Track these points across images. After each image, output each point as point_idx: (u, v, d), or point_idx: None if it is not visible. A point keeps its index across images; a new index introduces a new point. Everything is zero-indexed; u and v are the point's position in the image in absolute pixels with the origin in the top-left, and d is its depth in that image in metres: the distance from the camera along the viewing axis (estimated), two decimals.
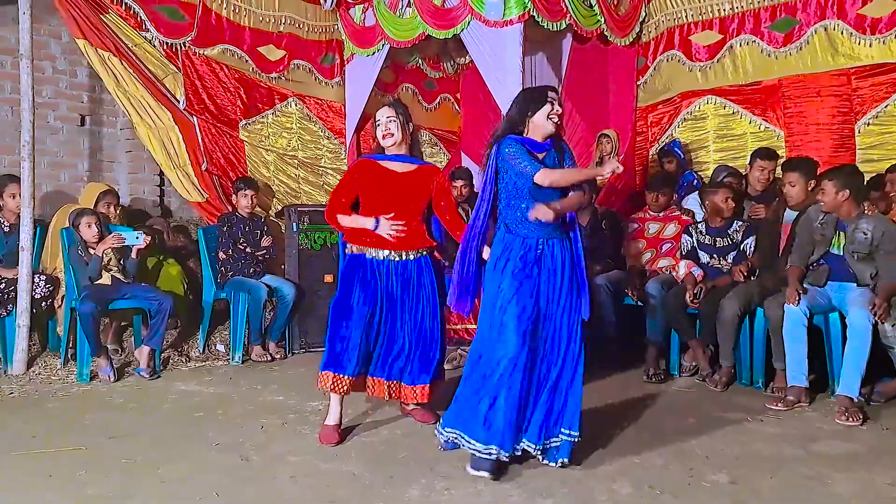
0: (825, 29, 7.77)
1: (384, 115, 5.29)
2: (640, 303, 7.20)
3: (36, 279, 7.07)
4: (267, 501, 4.22)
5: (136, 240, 7.04)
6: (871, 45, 7.51)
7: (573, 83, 9.55)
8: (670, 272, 7.27)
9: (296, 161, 9.59)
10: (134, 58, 8.15)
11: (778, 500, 4.24)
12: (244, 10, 8.92)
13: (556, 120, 4.72)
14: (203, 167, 8.66)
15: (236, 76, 8.99)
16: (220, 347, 7.92)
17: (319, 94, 9.74)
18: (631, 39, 8.99)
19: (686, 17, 8.73)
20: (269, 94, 9.35)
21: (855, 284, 6.06)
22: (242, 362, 7.56)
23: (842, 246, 6.11)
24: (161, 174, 9.50)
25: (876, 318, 5.69)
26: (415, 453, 4.89)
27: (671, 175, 8.28)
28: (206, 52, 8.70)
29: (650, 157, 9.15)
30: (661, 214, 7.66)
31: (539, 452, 4.60)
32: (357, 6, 9.13)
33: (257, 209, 8.40)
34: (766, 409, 5.88)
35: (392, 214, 5.25)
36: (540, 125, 4.72)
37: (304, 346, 8.00)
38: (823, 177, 6.24)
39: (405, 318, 5.29)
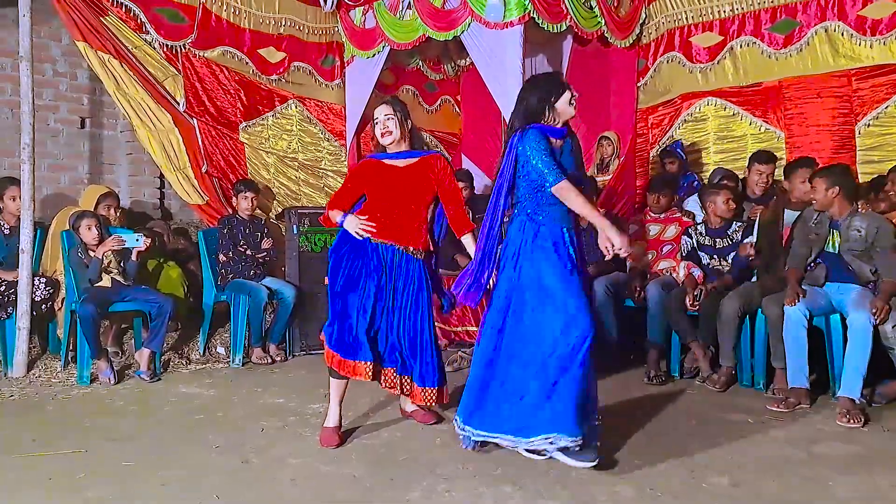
0: (825, 30, 7.77)
1: (382, 112, 5.29)
2: (641, 304, 7.19)
3: (36, 281, 7.07)
4: None
5: (137, 242, 7.04)
6: (871, 47, 7.52)
7: (573, 85, 9.47)
8: (671, 274, 7.26)
9: (296, 163, 9.59)
10: (134, 60, 8.16)
11: (779, 502, 4.23)
12: (244, 13, 8.92)
13: (575, 104, 4.82)
14: (203, 169, 8.66)
15: (236, 78, 9.00)
16: (221, 350, 7.92)
17: (320, 97, 9.75)
18: (631, 41, 8.99)
19: (686, 18, 8.73)
20: (269, 97, 9.36)
21: (854, 284, 6.06)
22: (243, 365, 7.55)
23: (836, 244, 6.12)
24: (161, 176, 9.49)
25: (876, 320, 5.68)
26: (415, 455, 4.89)
27: (672, 176, 8.28)
28: (206, 55, 8.71)
29: (651, 158, 9.15)
30: (661, 216, 7.66)
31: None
32: (357, 8, 9.14)
33: (257, 211, 8.40)
34: (767, 411, 5.87)
35: (378, 215, 5.25)
36: (563, 111, 4.82)
37: (305, 349, 7.98)
38: (814, 176, 6.26)
39: (405, 313, 5.26)
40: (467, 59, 9.73)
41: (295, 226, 8.07)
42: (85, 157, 9.30)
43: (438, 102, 10.88)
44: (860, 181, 7.20)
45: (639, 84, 9.24)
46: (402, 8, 8.57)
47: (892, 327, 5.77)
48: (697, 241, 7.15)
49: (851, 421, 5.48)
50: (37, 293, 7.07)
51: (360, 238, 5.21)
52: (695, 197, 7.74)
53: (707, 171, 8.44)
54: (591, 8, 8.37)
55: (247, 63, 9.05)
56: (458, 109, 11.10)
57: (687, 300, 6.84)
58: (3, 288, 7.05)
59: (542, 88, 4.82)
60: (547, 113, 4.76)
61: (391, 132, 5.25)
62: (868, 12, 7.52)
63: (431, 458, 4.83)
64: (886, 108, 7.47)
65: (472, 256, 5.15)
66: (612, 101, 9.43)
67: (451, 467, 4.64)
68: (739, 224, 7.03)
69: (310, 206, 9.09)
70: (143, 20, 8.12)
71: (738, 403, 6.12)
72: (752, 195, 7.45)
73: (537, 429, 4.52)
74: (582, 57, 9.23)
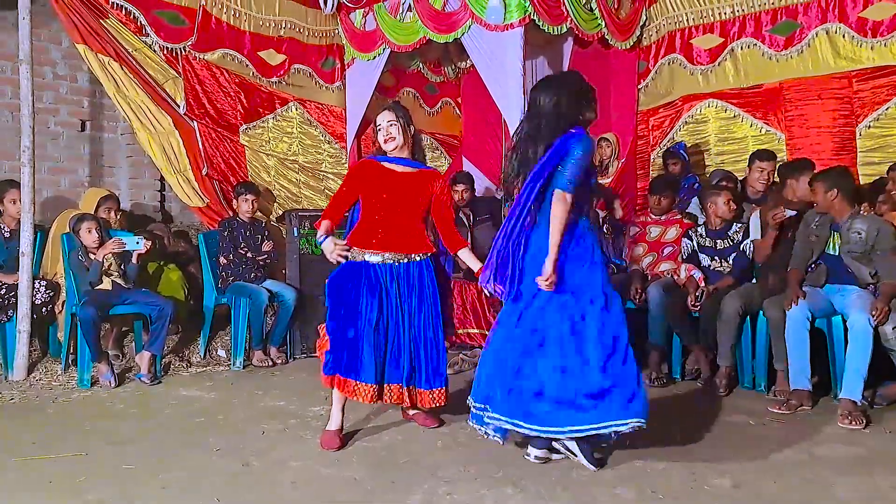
0: (826, 32, 7.77)
1: (385, 119, 5.29)
2: (641, 306, 7.18)
3: (36, 284, 7.06)
4: None
5: (137, 245, 7.03)
6: (872, 48, 7.52)
7: None
8: (672, 276, 7.25)
9: (296, 166, 9.58)
10: (134, 63, 8.14)
11: (780, 503, 4.22)
12: (244, 15, 8.91)
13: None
14: (203, 172, 8.65)
15: (236, 81, 8.99)
16: (222, 353, 7.92)
17: (320, 99, 9.74)
18: (632, 43, 8.99)
19: (687, 20, 8.72)
20: (269, 99, 9.35)
21: (854, 286, 6.06)
22: (243, 367, 7.55)
23: (837, 246, 6.12)
24: (161, 179, 9.50)
25: (876, 322, 5.68)
26: (417, 458, 4.88)
27: (673, 178, 8.26)
28: (206, 57, 8.70)
29: (651, 160, 9.15)
30: (662, 218, 7.65)
31: None
32: (358, 10, 9.13)
33: (258, 214, 8.40)
34: (768, 413, 5.87)
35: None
36: (590, 119, 4.84)
37: (306, 352, 7.98)
38: (813, 179, 6.28)
39: (408, 322, 5.25)
40: (468, 62, 9.73)
41: (295, 228, 8.07)
42: (85, 160, 9.30)
43: (439, 105, 10.87)
44: (861, 183, 7.19)
45: (639, 86, 9.24)
46: (403, 10, 8.56)
47: (893, 329, 5.77)
48: (698, 243, 7.15)
49: (853, 423, 5.48)
50: (37, 296, 7.07)
51: (336, 262, 5.25)
52: (695, 199, 7.74)
53: (708, 173, 8.43)
54: (592, 10, 8.36)
55: (247, 65, 9.04)
56: (458, 111, 11.08)
57: (689, 301, 6.84)
58: (3, 291, 7.05)
59: (579, 98, 4.79)
60: (580, 118, 4.75)
61: (394, 138, 5.26)
62: (869, 14, 7.52)
63: (433, 460, 4.83)
64: (887, 109, 7.47)
65: (473, 267, 5.30)
66: (613, 103, 9.42)
67: (453, 470, 4.64)
68: (740, 225, 7.03)
69: (310, 208, 9.09)
70: (143, 23, 8.11)
71: (739, 405, 6.12)
72: (752, 194, 7.46)
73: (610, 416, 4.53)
74: (582, 59, 9.21)
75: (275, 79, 9.33)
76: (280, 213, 9.10)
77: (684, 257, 7.21)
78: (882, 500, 4.26)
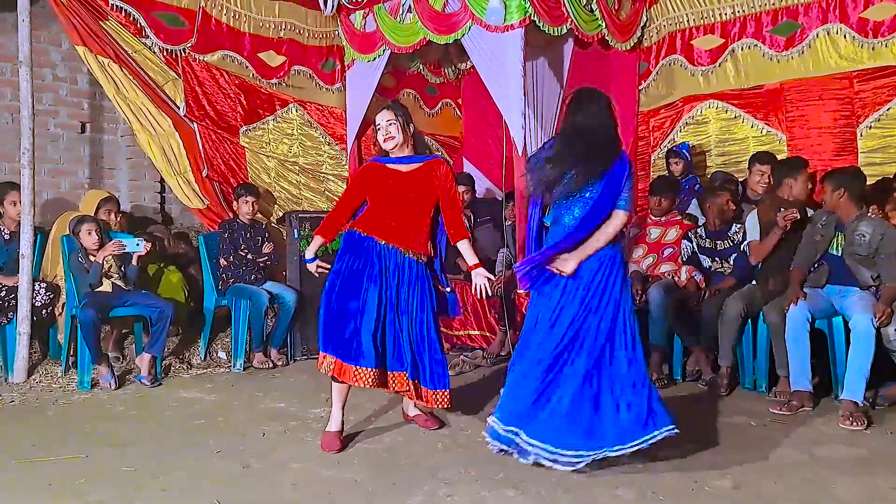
0: (827, 32, 7.76)
1: (384, 118, 5.29)
2: (642, 307, 7.18)
3: (36, 287, 7.06)
4: None
5: (137, 247, 7.03)
6: (873, 49, 7.51)
7: (574, 88, 9.53)
8: (672, 277, 7.25)
9: (297, 167, 9.58)
10: (134, 64, 8.14)
11: None
12: (244, 16, 8.90)
13: None
14: (204, 174, 8.64)
15: (236, 82, 8.98)
16: (222, 354, 7.91)
17: (320, 100, 9.73)
18: (632, 44, 8.98)
19: (687, 21, 8.71)
20: (269, 100, 9.34)
21: (855, 288, 6.06)
22: (244, 369, 7.54)
23: (840, 247, 6.12)
24: (162, 181, 9.50)
25: (878, 323, 5.67)
26: (417, 460, 4.88)
27: (674, 179, 8.26)
28: (206, 59, 8.69)
29: (652, 161, 9.14)
30: (662, 219, 7.64)
31: None
32: (358, 12, 9.12)
33: (258, 215, 8.40)
34: (769, 414, 5.86)
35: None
36: None
37: (306, 353, 7.97)
38: (824, 177, 6.30)
39: (407, 315, 5.24)
40: (468, 63, 9.72)
41: (296, 230, 8.07)
42: (85, 162, 9.30)
43: (439, 106, 10.87)
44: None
45: (640, 87, 9.23)
46: (403, 11, 8.55)
47: (895, 330, 5.76)
48: (698, 244, 7.15)
49: (854, 423, 5.47)
50: (37, 298, 7.06)
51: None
52: (694, 200, 7.74)
53: (709, 174, 8.42)
54: (592, 11, 8.34)
55: (247, 67, 9.03)
56: (458, 113, 11.09)
57: (690, 301, 6.85)
58: (3, 293, 7.04)
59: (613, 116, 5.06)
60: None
61: (394, 137, 5.26)
62: (869, 14, 7.51)
63: (433, 462, 4.83)
64: (888, 110, 7.46)
65: (468, 261, 5.36)
66: (614, 104, 9.40)
67: (453, 471, 4.64)
68: (739, 226, 7.03)
69: (311, 210, 9.08)
70: (142, 24, 8.09)
71: (740, 406, 6.11)
72: (753, 196, 7.45)
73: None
74: (583, 60, 9.20)
75: (275, 80, 9.32)
76: (280, 214, 9.09)
77: (684, 259, 7.21)
78: (883, 501, 4.26)
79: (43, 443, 5.20)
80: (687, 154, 8.46)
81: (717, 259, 7.08)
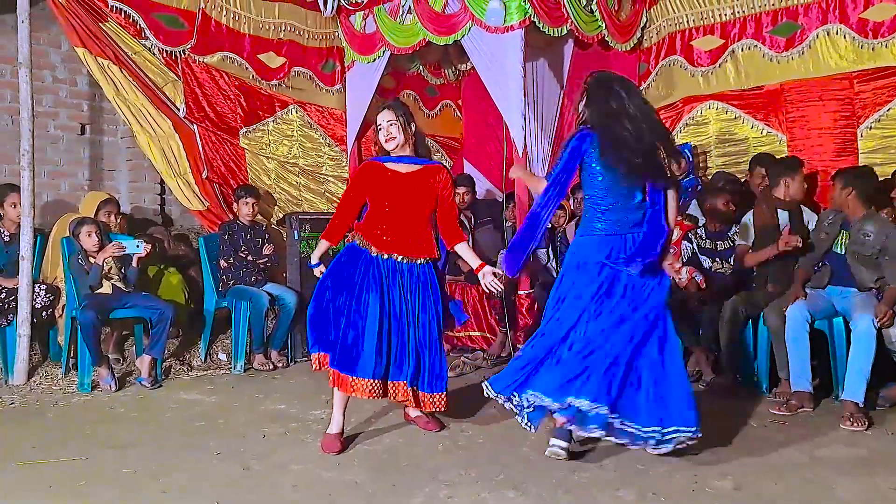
0: (827, 33, 7.76)
1: (385, 118, 5.29)
2: None
3: (36, 288, 7.05)
4: None
5: (137, 248, 7.02)
6: (873, 49, 7.51)
7: (575, 89, 9.48)
8: (673, 278, 7.24)
9: (297, 169, 9.57)
10: (133, 66, 8.14)
11: None
12: (244, 18, 8.90)
13: None
14: (204, 175, 8.64)
15: (236, 84, 8.98)
16: (222, 356, 7.91)
17: (320, 102, 9.73)
18: (632, 45, 8.98)
19: (687, 21, 8.71)
20: (269, 102, 9.34)
21: (856, 289, 6.06)
22: (244, 371, 7.54)
23: (844, 245, 6.12)
24: (161, 182, 9.50)
25: (879, 324, 5.67)
26: (418, 461, 4.87)
27: (674, 179, 8.25)
28: (205, 60, 8.69)
29: None
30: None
31: None
32: (357, 13, 9.12)
33: (258, 217, 8.40)
34: (770, 415, 5.86)
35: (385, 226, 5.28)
36: None
37: (307, 355, 7.95)
38: (835, 175, 6.34)
39: (412, 321, 5.23)
40: (468, 64, 9.71)
41: (296, 231, 8.07)
42: (85, 164, 9.30)
43: (439, 107, 10.87)
44: None
45: (640, 88, 9.20)
46: (403, 12, 8.55)
47: None
48: (698, 245, 7.15)
49: (855, 424, 5.47)
50: (37, 300, 7.06)
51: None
52: (694, 201, 7.73)
53: (709, 175, 8.42)
54: (592, 12, 8.35)
55: (247, 68, 9.03)
56: (459, 114, 11.09)
57: (690, 302, 6.84)
58: (3, 295, 7.04)
59: None
60: None
61: (395, 137, 5.26)
62: (869, 15, 7.52)
63: (434, 463, 4.82)
64: (888, 110, 7.45)
65: (471, 264, 5.37)
66: None
67: (454, 473, 4.63)
68: (739, 226, 7.02)
69: (311, 211, 9.09)
70: (142, 26, 8.09)
71: (741, 407, 6.11)
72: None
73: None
74: (583, 61, 9.19)
75: (275, 81, 9.32)
76: (280, 216, 9.09)
77: (685, 260, 7.20)
78: (883, 502, 4.25)
79: (43, 445, 5.19)
80: (689, 154, 8.46)
81: (717, 259, 7.07)
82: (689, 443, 4.71)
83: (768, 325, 6.34)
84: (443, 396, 5.24)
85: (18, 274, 6.91)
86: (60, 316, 7.28)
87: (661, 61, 9.01)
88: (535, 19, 7.73)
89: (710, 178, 8.31)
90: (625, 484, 4.45)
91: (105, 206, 7.68)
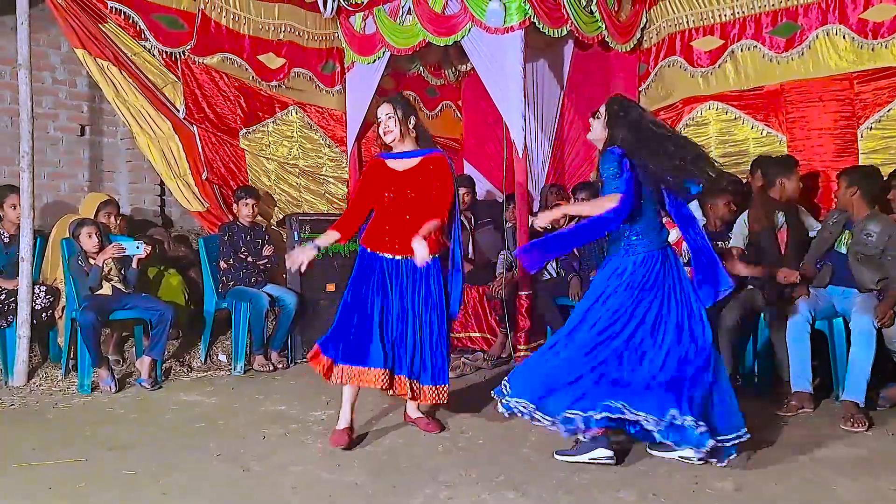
0: (827, 33, 7.74)
1: (383, 112, 5.36)
2: None
3: (36, 290, 7.05)
4: None
5: (137, 250, 7.02)
6: (873, 50, 7.50)
7: (575, 90, 9.56)
8: None
9: (297, 170, 9.57)
10: (133, 67, 8.13)
11: None
12: (244, 19, 8.90)
13: None
14: (203, 176, 8.63)
15: (236, 85, 8.97)
16: (222, 357, 7.91)
17: (320, 103, 9.72)
18: (632, 45, 8.97)
19: (687, 22, 8.70)
20: (269, 103, 9.33)
21: (857, 290, 6.05)
22: (244, 372, 7.54)
23: (845, 245, 6.12)
24: (161, 184, 9.49)
25: (879, 324, 5.66)
26: (418, 462, 4.87)
27: None
28: (205, 61, 8.68)
29: None
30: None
31: None
32: (357, 14, 9.12)
33: (258, 218, 8.39)
34: (770, 415, 5.85)
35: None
36: None
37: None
38: (840, 174, 6.36)
39: (413, 316, 5.28)
40: (468, 65, 9.72)
41: (296, 232, 8.08)
42: (85, 165, 9.29)
43: (439, 108, 10.86)
44: None
45: (640, 88, 9.21)
46: (403, 13, 8.55)
47: None
48: None
49: (855, 425, 5.46)
50: (37, 302, 7.06)
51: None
52: (695, 202, 7.71)
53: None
54: (592, 12, 8.34)
55: (246, 69, 9.02)
56: (459, 115, 11.09)
57: None
58: (3, 297, 7.04)
59: None
60: None
61: (391, 131, 5.33)
62: (869, 15, 7.50)
63: (434, 464, 4.82)
64: (889, 111, 7.44)
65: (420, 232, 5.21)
66: None
67: (454, 474, 4.63)
68: None
69: (311, 212, 9.10)
70: (141, 27, 8.09)
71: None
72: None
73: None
74: (583, 61, 9.22)
75: (274, 82, 9.32)
76: (280, 217, 9.08)
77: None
78: (883, 502, 4.25)
79: (43, 446, 5.19)
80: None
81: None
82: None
83: (768, 324, 6.33)
84: (445, 389, 5.31)
85: (18, 275, 6.91)
86: (60, 317, 7.28)
87: (660, 62, 8.99)
88: (535, 20, 7.73)
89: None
90: (625, 485, 4.44)
91: (105, 208, 7.68)
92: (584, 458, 4.77)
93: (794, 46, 7.95)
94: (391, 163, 5.37)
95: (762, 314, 6.49)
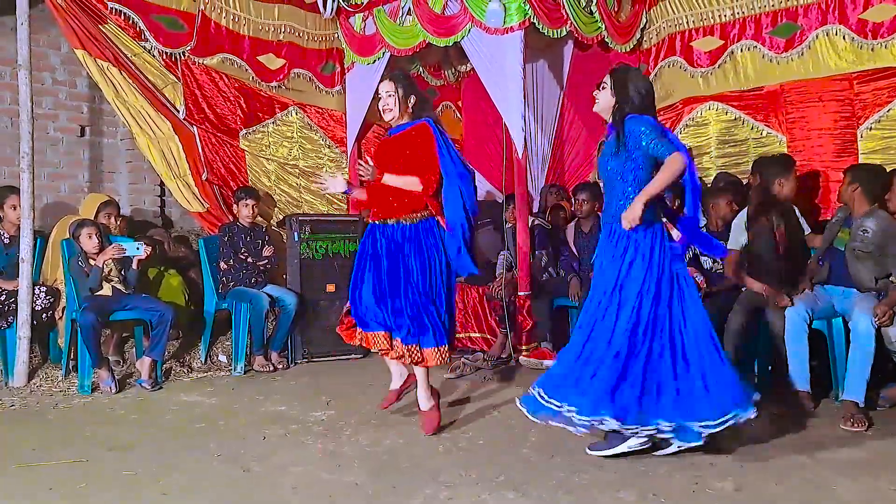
0: (826, 34, 7.75)
1: (383, 89, 5.48)
2: None
3: (36, 291, 7.06)
4: None
5: (137, 250, 7.02)
6: (872, 50, 7.50)
7: (574, 90, 9.55)
8: None
9: (297, 170, 9.57)
10: (133, 68, 8.14)
11: None
12: (243, 19, 8.91)
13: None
14: (203, 177, 8.64)
15: (236, 85, 8.98)
16: (222, 358, 7.90)
17: (320, 103, 9.74)
18: (632, 46, 8.97)
19: (687, 23, 8.71)
20: (269, 103, 9.34)
21: (856, 290, 6.05)
22: (244, 373, 7.54)
23: (844, 241, 6.12)
24: (161, 184, 9.49)
25: (878, 323, 5.66)
26: (418, 462, 4.87)
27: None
28: (205, 62, 8.69)
29: None
30: (663, 220, 7.62)
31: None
32: (357, 14, 9.13)
33: (258, 219, 8.39)
34: (770, 415, 5.84)
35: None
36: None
37: (307, 357, 7.98)
38: (846, 170, 6.36)
39: (404, 280, 5.35)
40: (468, 65, 9.73)
41: (296, 233, 8.07)
42: (85, 166, 9.29)
43: (439, 108, 10.85)
44: None
45: None
46: (403, 14, 8.56)
47: None
48: None
49: (855, 425, 5.45)
50: (37, 302, 7.06)
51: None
52: None
53: (709, 176, 8.41)
54: (592, 13, 8.35)
55: (246, 70, 9.03)
56: (458, 115, 11.11)
57: None
58: (3, 297, 7.04)
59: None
60: None
61: (391, 109, 5.44)
62: (869, 15, 7.51)
63: (434, 465, 4.82)
64: (888, 111, 7.44)
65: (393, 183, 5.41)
66: None
67: (454, 474, 4.62)
68: None
69: (311, 213, 9.11)
70: (141, 28, 8.10)
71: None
72: None
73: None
74: (583, 62, 9.22)
75: (274, 83, 9.32)
76: (280, 217, 9.09)
77: (686, 260, 7.19)
78: (884, 503, 4.24)
79: (43, 447, 5.19)
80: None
81: (718, 260, 7.06)
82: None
83: (769, 324, 6.33)
84: (445, 349, 5.42)
85: (18, 276, 6.91)
86: (60, 318, 7.28)
87: (660, 62, 9.00)
88: (535, 20, 7.75)
89: (711, 178, 8.30)
90: (625, 485, 4.44)
91: (105, 208, 7.68)
92: (623, 447, 4.79)
93: (793, 47, 7.96)
94: (388, 138, 5.57)
95: (764, 313, 6.48)
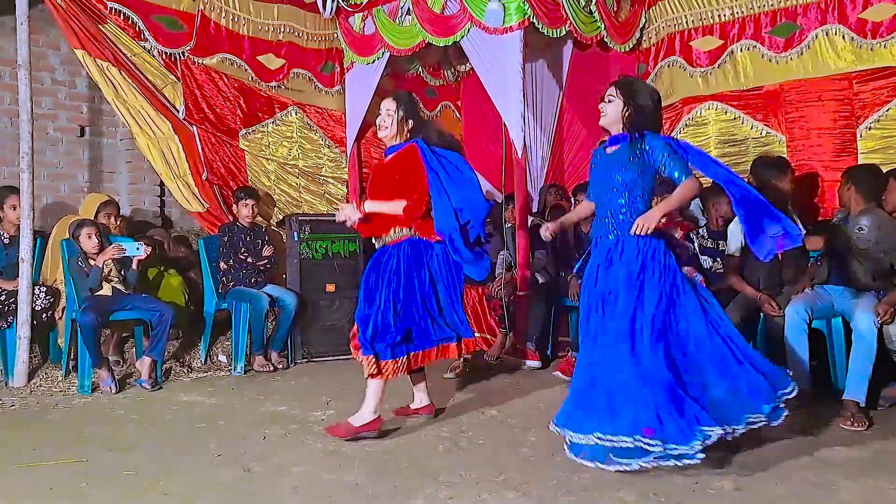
0: (826, 33, 7.74)
1: (385, 107, 5.50)
2: None
3: (36, 291, 7.06)
4: None
5: (137, 250, 7.02)
6: (872, 49, 7.50)
7: (574, 90, 9.56)
8: None
9: (296, 170, 9.58)
10: (133, 68, 8.15)
11: None
12: (243, 19, 8.91)
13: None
14: (203, 177, 8.65)
15: (236, 85, 8.98)
16: (222, 358, 7.91)
17: (320, 103, 9.74)
18: (631, 46, 8.97)
19: (686, 22, 8.70)
20: (268, 103, 9.34)
21: (855, 289, 6.05)
22: (244, 373, 7.54)
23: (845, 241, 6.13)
24: (161, 184, 9.50)
25: (880, 321, 5.66)
26: (418, 462, 4.87)
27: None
28: (205, 62, 8.69)
29: None
30: (663, 220, 7.62)
31: None
32: (357, 14, 9.13)
33: (258, 219, 8.40)
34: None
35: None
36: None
37: (307, 357, 7.99)
38: (844, 172, 6.39)
39: (394, 299, 5.38)
40: (467, 65, 9.72)
41: (296, 233, 8.07)
42: (84, 166, 9.29)
43: (439, 108, 10.88)
44: None
45: None
46: (402, 14, 8.56)
47: None
48: (699, 245, 7.13)
49: (856, 424, 5.46)
50: (37, 302, 7.06)
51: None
52: (697, 201, 7.71)
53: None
54: (591, 13, 8.35)
55: (246, 70, 9.04)
56: (458, 115, 11.10)
57: None
58: (3, 297, 7.04)
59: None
60: None
61: (386, 128, 5.45)
62: (868, 15, 7.50)
63: (434, 465, 4.82)
64: (888, 110, 7.44)
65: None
66: None
67: (454, 474, 4.62)
68: None
69: (311, 213, 9.11)
70: (141, 28, 8.11)
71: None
72: None
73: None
74: (582, 62, 9.21)
75: (274, 83, 9.32)
76: (280, 217, 9.09)
77: (685, 262, 7.19)
78: (884, 502, 4.24)
79: (43, 447, 5.19)
80: None
81: (718, 259, 7.06)
82: None
83: (769, 324, 6.33)
84: (472, 340, 5.71)
85: (18, 276, 6.91)
86: (60, 318, 7.28)
87: (660, 62, 8.99)
88: (534, 20, 7.75)
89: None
90: (625, 485, 4.44)
91: (105, 208, 7.69)
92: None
93: (793, 46, 7.95)
94: (380, 163, 5.63)
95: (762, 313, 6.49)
